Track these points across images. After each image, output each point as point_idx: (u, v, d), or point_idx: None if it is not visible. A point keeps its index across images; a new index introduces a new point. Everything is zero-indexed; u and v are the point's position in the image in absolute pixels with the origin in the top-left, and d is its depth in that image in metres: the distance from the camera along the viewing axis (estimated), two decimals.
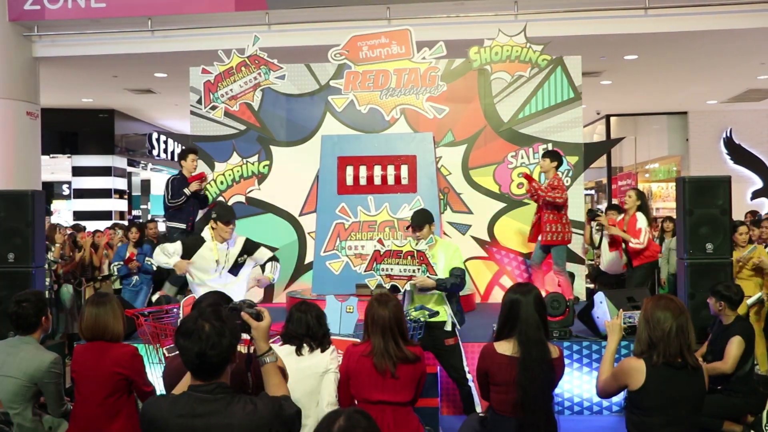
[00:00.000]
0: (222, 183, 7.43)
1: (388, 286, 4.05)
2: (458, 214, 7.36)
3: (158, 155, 15.64)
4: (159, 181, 17.83)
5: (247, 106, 7.37)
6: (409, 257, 3.98)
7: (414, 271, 3.98)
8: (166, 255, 4.63)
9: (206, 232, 4.61)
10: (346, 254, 6.45)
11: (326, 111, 7.49)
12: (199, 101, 7.38)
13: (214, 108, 7.26)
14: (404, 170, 6.59)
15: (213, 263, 4.61)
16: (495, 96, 7.34)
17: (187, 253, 4.62)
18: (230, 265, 4.69)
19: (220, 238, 4.54)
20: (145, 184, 17.34)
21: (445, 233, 7.14)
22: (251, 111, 7.49)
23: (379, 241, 4.12)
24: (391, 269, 4.04)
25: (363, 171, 6.62)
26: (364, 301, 4.73)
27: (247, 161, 7.43)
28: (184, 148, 7.03)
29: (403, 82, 7.14)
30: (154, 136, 15.37)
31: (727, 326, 4.22)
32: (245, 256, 4.74)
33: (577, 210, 7.22)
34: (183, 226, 6.42)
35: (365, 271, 4.12)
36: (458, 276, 4.02)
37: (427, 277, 3.96)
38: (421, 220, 4.19)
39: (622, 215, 6.80)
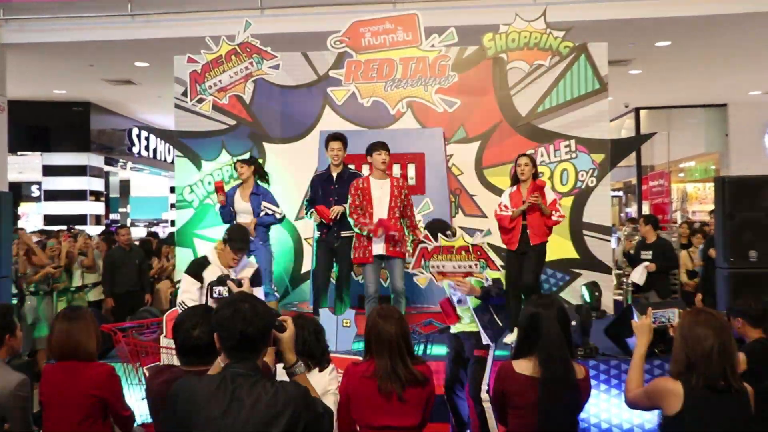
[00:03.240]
0: (210, 184, 7.45)
1: (443, 284, 4.03)
2: (471, 219, 7.37)
3: (139, 153, 15.69)
4: (140, 181, 17.95)
5: (237, 99, 7.38)
6: (462, 252, 3.94)
7: (471, 267, 3.94)
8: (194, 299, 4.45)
9: (212, 254, 4.54)
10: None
11: (325, 104, 7.52)
12: (184, 93, 7.40)
13: (201, 101, 7.26)
14: (411, 170, 6.59)
15: None
16: (512, 87, 7.37)
17: (198, 279, 4.48)
18: None
19: (225, 263, 4.49)
20: (124, 185, 17.43)
21: None
22: (242, 104, 7.51)
23: (426, 237, 4.06)
24: (443, 266, 3.99)
25: (365, 170, 6.58)
26: (362, 315, 4.85)
27: (238, 159, 7.41)
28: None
29: (409, 73, 7.14)
30: (135, 131, 15.42)
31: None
32: (251, 288, 4.66)
33: (603, 214, 7.23)
34: None
35: (412, 269, 4.08)
36: (500, 288, 4.05)
37: (484, 276, 3.94)
38: (434, 232, 4.18)
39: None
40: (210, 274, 4.37)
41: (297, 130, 7.54)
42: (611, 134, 7.76)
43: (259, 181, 6.18)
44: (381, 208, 5.41)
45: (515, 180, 5.75)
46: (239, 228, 4.65)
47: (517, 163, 5.67)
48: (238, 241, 4.42)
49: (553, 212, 5.52)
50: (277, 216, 6.06)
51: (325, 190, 5.84)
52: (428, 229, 4.29)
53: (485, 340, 4.03)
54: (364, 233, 5.35)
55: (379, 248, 5.37)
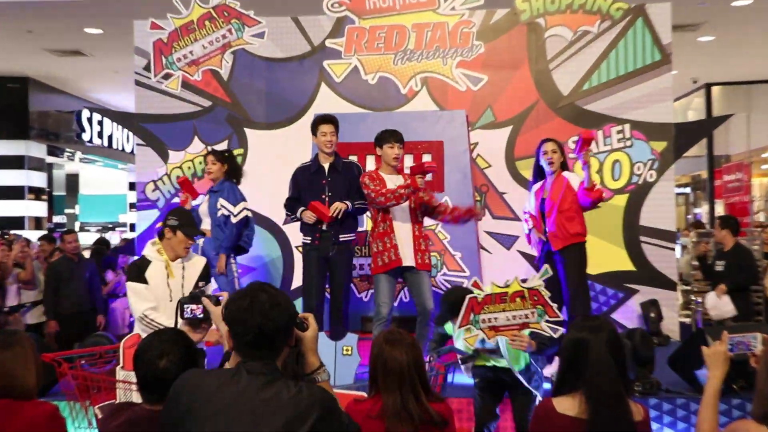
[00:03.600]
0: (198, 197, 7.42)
1: (494, 342, 4.15)
2: (501, 222, 7.37)
3: (90, 140, 15.74)
4: (91, 175, 17.98)
5: (212, 75, 7.41)
6: (518, 299, 4.07)
7: (527, 316, 4.07)
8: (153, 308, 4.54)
9: (148, 248, 4.61)
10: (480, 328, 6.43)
11: (321, 81, 7.54)
12: (146, 67, 7.43)
13: (167, 77, 7.31)
14: (426, 159, 6.53)
15: (165, 288, 4.57)
16: (551, 60, 7.36)
17: (142, 281, 4.55)
18: (188, 290, 4.67)
19: (172, 253, 4.55)
20: (72, 181, 17.46)
21: (482, 247, 7.19)
22: (218, 81, 7.54)
23: (474, 284, 4.17)
24: (496, 318, 4.11)
25: (370, 162, 6.65)
26: (366, 340, 4.88)
27: (213, 149, 7.39)
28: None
29: (425, 42, 7.14)
30: (85, 114, 15.47)
31: None
32: (204, 282, 4.74)
33: (666, 216, 7.25)
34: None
35: (459, 327, 4.17)
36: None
37: (543, 327, 4.06)
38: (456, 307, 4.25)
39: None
40: (154, 274, 4.51)
41: (286, 113, 7.56)
42: (676, 117, 7.77)
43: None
44: (404, 214, 5.48)
45: (539, 173, 5.76)
46: (182, 209, 4.84)
47: (542, 151, 5.66)
48: (191, 225, 4.60)
49: (587, 184, 5.44)
50: (232, 219, 6.08)
51: (315, 185, 5.79)
52: (448, 304, 4.38)
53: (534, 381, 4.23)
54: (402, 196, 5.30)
55: (407, 258, 5.41)
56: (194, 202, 6.37)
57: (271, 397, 2.14)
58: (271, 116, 7.62)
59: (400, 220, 5.47)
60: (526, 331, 4.07)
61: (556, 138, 5.84)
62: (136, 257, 7.60)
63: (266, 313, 2.21)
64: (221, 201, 6.09)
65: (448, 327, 4.61)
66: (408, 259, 5.42)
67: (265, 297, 2.24)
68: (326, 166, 5.80)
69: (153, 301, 4.45)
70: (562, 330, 4.01)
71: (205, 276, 4.74)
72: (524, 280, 4.15)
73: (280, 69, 7.59)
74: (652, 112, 7.25)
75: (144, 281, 4.49)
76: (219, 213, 6.07)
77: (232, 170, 6.32)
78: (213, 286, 5.04)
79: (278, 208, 7.24)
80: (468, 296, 4.12)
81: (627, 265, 7.25)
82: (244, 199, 6.23)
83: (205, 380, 2.23)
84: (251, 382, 2.17)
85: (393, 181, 5.48)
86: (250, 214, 6.31)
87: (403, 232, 5.45)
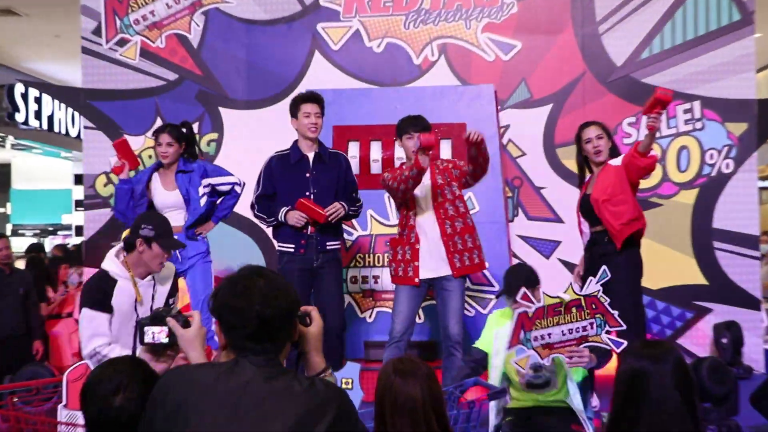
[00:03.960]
0: (139, 168, 7.37)
1: (548, 361, 4.23)
2: (538, 224, 7.41)
3: (25, 122, 15.69)
4: (26, 165, 17.97)
5: (179, 41, 7.42)
6: (574, 309, 4.14)
7: (584, 328, 4.15)
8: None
9: (111, 262, 4.58)
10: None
11: (314, 49, 7.57)
12: (96, 31, 7.43)
13: (122, 43, 7.30)
14: (446, 148, 6.56)
15: (131, 314, 4.54)
16: (601, 22, 7.36)
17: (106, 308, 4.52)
18: None
19: (143, 269, 4.57)
20: (2, 172, 17.48)
21: (514, 255, 7.16)
22: (187, 49, 7.54)
23: (524, 296, 4.22)
24: (549, 335, 4.19)
25: (376, 150, 6.65)
26: (371, 371, 4.91)
27: (169, 125, 7.35)
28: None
29: (443, 1, 7.12)
30: (19, 89, 15.45)
31: None
32: (173, 299, 4.76)
33: (746, 216, 7.20)
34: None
35: (510, 347, 4.27)
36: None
37: (604, 340, 4.13)
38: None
39: None
40: (119, 297, 4.46)
41: (271, 88, 7.60)
42: (759, 92, 7.63)
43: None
44: (425, 210, 5.52)
45: (583, 165, 5.75)
46: (158, 216, 4.84)
47: (584, 138, 5.59)
48: (170, 236, 4.60)
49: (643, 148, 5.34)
50: (237, 188, 6.11)
51: (296, 179, 5.75)
52: (508, 283, 4.65)
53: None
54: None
55: (437, 269, 5.47)
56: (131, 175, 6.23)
57: (280, 390, 2.25)
58: (252, 93, 7.63)
59: (424, 220, 5.52)
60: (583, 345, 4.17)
61: (603, 121, 5.76)
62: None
63: (266, 298, 2.31)
64: (209, 180, 6.02)
65: (485, 344, 4.72)
66: (439, 269, 5.47)
67: (263, 282, 2.35)
68: (310, 156, 5.76)
69: (110, 335, 4.39)
70: (625, 343, 4.04)
71: (174, 291, 4.78)
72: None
73: (263, 33, 7.61)
74: (729, 86, 7.20)
75: (109, 310, 4.44)
76: (205, 191, 6.01)
77: (189, 148, 6.15)
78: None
79: None
80: (516, 311, 4.20)
81: (697, 277, 7.23)
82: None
83: (198, 373, 2.33)
84: (256, 373, 2.28)
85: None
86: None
87: (429, 234, 5.50)
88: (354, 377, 5.25)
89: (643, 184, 6.80)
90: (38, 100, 15.91)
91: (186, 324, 2.84)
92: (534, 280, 4.73)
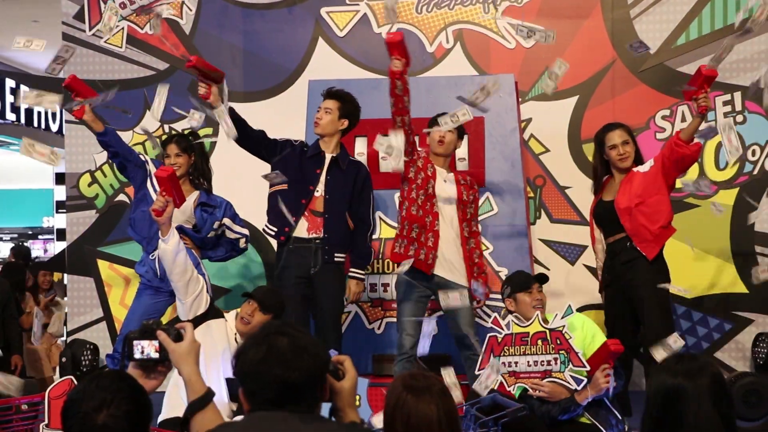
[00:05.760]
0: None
1: (514, 390, 4.50)
2: (562, 226, 7.47)
3: (1, 116, 15.76)
4: (4, 163, 18.02)
5: (170, 27, 7.46)
6: (539, 342, 4.46)
7: (549, 362, 4.46)
8: None
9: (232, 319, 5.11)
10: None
11: (317, 36, 7.65)
12: (79, 16, 7.47)
13: (108, 29, 7.14)
14: (462, 145, 6.40)
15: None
16: (632, 5, 7.41)
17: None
18: None
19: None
20: None
21: (536, 261, 7.14)
22: (178, 35, 7.63)
23: (494, 321, 4.60)
24: (516, 363, 4.50)
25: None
26: (378, 387, 5.14)
27: (171, 128, 7.29)
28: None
29: None
30: None
31: None
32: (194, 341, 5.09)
33: None
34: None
35: (478, 370, 4.52)
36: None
37: (566, 378, 4.41)
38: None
39: None
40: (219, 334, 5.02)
41: (271, 79, 7.68)
42: None
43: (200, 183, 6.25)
44: (448, 219, 5.59)
45: (605, 170, 5.75)
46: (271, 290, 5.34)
47: (608, 144, 5.57)
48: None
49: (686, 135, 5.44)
50: (242, 243, 6.31)
51: (304, 171, 5.83)
52: (506, 287, 4.96)
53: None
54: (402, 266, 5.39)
55: (455, 272, 5.52)
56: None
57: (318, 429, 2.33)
58: (249, 83, 7.69)
59: (446, 232, 5.60)
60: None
61: (635, 114, 6.21)
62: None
63: (288, 361, 2.31)
64: (227, 221, 6.17)
65: None
66: (453, 272, 5.54)
67: (285, 342, 2.35)
68: (329, 157, 5.87)
69: None
70: (584, 382, 4.35)
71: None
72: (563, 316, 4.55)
73: (262, 19, 7.70)
74: None
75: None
76: (216, 233, 6.14)
77: (198, 167, 6.20)
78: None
79: (259, 210, 6.96)
80: (488, 335, 4.58)
81: (737, 285, 7.27)
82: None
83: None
84: (288, 418, 2.31)
85: (443, 176, 5.63)
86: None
87: (449, 248, 5.58)
88: (362, 394, 5.14)
89: (678, 183, 6.86)
90: (14, 91, 15.87)
91: (178, 337, 2.84)
92: (525, 285, 4.86)
